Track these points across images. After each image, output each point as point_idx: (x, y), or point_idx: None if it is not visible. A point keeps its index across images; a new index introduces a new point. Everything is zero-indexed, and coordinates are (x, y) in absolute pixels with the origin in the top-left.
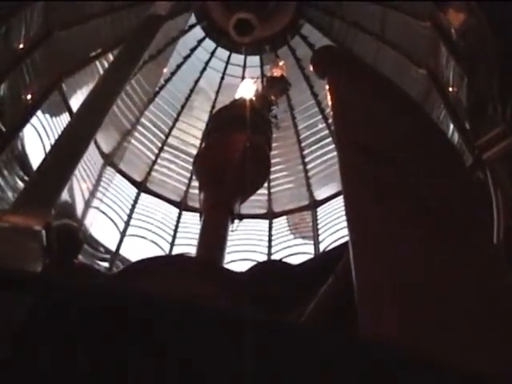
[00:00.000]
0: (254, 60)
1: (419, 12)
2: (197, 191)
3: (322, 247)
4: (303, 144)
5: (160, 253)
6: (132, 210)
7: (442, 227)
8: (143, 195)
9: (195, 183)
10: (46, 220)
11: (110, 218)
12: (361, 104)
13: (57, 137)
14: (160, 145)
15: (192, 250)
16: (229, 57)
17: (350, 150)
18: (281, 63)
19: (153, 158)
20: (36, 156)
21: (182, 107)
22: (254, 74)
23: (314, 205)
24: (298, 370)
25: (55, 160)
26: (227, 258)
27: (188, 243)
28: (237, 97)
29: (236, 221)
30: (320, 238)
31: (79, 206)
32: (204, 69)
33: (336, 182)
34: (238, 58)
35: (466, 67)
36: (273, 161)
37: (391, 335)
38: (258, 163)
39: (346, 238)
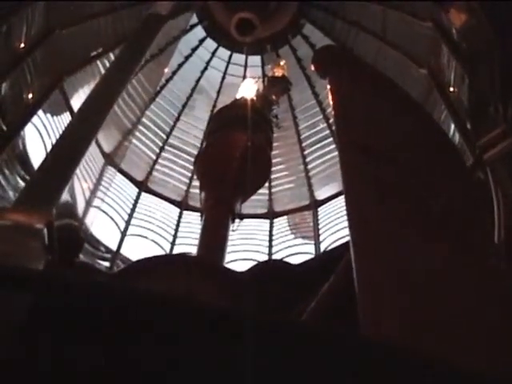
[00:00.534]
0: (255, 60)
1: (420, 12)
2: (197, 191)
3: (322, 247)
4: (304, 144)
5: (161, 252)
6: (133, 210)
7: (443, 227)
8: (144, 195)
9: (196, 183)
10: (48, 218)
11: (110, 218)
12: (362, 104)
13: (58, 136)
14: (161, 144)
15: (193, 250)
16: (230, 56)
17: (350, 150)
18: (282, 63)
19: (154, 157)
20: (37, 155)
21: (183, 107)
22: (255, 74)
23: (315, 205)
24: (298, 368)
25: (57, 159)
26: (228, 257)
27: (189, 243)
28: (238, 96)
29: (237, 220)
30: (321, 238)
31: (80, 206)
32: (205, 68)
33: (337, 182)
34: (239, 58)
35: (467, 67)
36: (274, 160)
37: (391, 335)
38: (258, 163)
39: (347, 238)
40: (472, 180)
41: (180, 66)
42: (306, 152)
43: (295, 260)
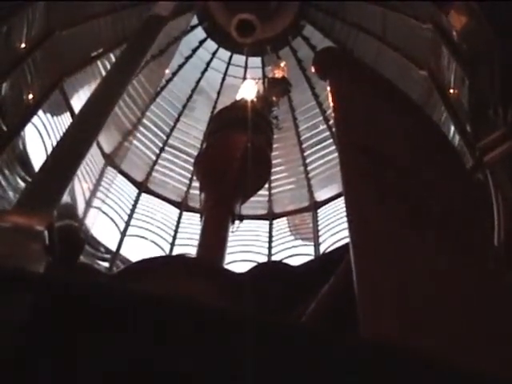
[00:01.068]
0: (256, 61)
1: (420, 13)
2: (197, 192)
3: (322, 249)
4: (304, 145)
5: (160, 253)
6: (133, 210)
7: (443, 228)
8: (144, 195)
9: (196, 184)
10: (49, 220)
11: (110, 218)
12: (362, 105)
13: (58, 137)
14: (161, 145)
15: (192, 251)
16: (230, 57)
17: (351, 151)
18: (282, 64)
19: (154, 158)
20: (37, 156)
21: (184, 107)
22: (256, 75)
23: (315, 206)
24: (298, 370)
25: (58, 160)
26: (227, 258)
27: (188, 244)
28: (238, 98)
29: (236, 222)
30: (320, 240)
31: (80, 206)
32: (205, 69)
33: (337, 184)
34: (239, 59)
35: (467, 69)
36: (273, 162)
37: (391, 335)
38: (258, 164)
39: (347, 240)
40: (472, 181)
41: (180, 66)
42: (306, 153)
43: (295, 261)
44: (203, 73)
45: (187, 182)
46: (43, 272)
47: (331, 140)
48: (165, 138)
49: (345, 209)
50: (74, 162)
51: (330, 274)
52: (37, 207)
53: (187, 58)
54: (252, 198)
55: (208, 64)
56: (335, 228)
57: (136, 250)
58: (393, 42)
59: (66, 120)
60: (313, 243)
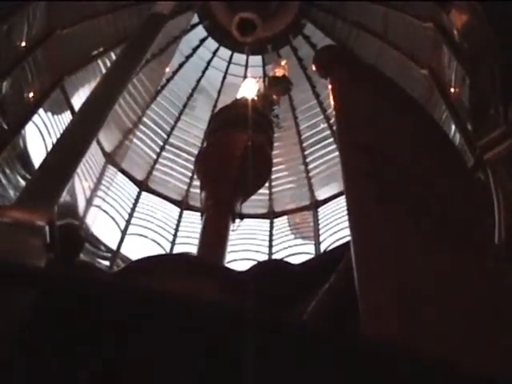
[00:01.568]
0: (256, 59)
1: (421, 12)
2: (198, 190)
3: (322, 247)
4: (305, 144)
5: (161, 252)
6: (133, 209)
7: (443, 226)
8: (144, 194)
9: (196, 182)
10: (49, 216)
11: (111, 217)
12: (363, 104)
13: (58, 135)
14: (162, 144)
15: (193, 249)
16: (231, 56)
17: (351, 150)
18: (283, 63)
19: (154, 157)
20: (38, 154)
21: (184, 106)
22: (256, 74)
23: (315, 205)
24: (299, 369)
25: (57, 158)
26: (228, 257)
27: (189, 242)
28: (239, 96)
29: (237, 220)
30: (321, 239)
31: (81, 205)
32: (206, 68)
33: (337, 183)
34: (240, 58)
35: (468, 68)
36: (274, 160)
37: (391, 335)
38: (259, 163)
39: (347, 239)
40: (473, 179)
41: (181, 65)
42: (306, 152)
43: (295, 260)
44: (204, 71)
45: (188, 180)
46: (45, 268)
47: (332, 139)
48: (165, 136)
49: (345, 207)
50: (74, 159)
51: (330, 273)
52: (37, 203)
53: (188, 57)
54: (252, 197)
55: (209, 63)
56: (336, 227)
57: (136, 249)
58: (394, 40)
59: (66, 119)
60: (313, 242)
